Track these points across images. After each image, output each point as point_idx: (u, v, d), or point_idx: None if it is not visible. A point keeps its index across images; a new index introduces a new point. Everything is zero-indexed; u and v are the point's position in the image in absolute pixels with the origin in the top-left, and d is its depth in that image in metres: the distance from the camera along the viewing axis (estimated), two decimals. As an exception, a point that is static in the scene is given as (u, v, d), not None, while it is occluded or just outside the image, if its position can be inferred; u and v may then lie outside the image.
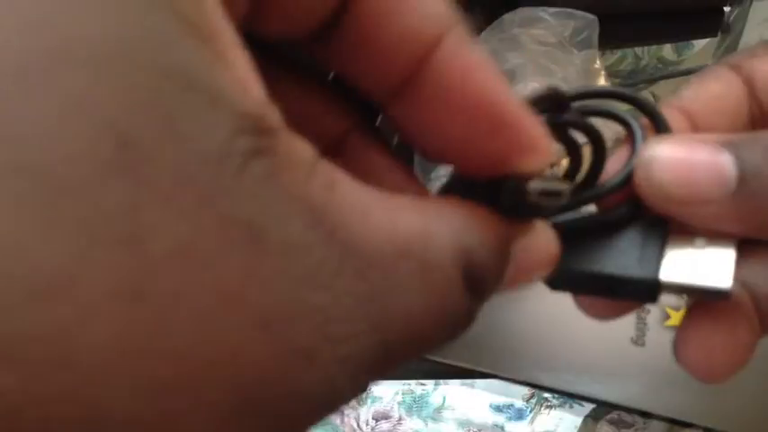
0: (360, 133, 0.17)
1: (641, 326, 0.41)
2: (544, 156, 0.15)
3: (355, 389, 0.12)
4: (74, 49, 0.09)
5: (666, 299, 0.42)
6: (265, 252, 0.10)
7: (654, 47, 0.62)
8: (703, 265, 0.18)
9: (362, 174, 0.14)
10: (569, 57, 0.47)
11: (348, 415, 0.41)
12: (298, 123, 0.11)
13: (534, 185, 0.16)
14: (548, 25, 0.48)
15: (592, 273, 0.19)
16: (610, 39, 0.51)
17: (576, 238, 0.19)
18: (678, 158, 0.18)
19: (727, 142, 0.17)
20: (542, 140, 0.15)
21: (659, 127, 0.19)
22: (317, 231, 0.11)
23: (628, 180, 0.18)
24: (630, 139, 0.19)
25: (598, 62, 0.48)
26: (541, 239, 0.16)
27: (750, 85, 0.20)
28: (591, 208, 0.19)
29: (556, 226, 0.18)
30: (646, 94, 0.59)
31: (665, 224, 0.18)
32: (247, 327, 0.10)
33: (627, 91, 0.20)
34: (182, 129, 0.09)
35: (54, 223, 0.09)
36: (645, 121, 0.19)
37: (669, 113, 0.20)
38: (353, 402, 0.41)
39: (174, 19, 0.10)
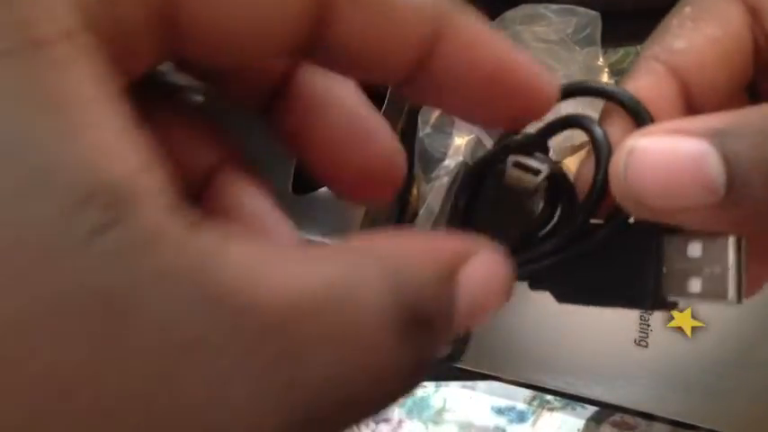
0: (230, 170, 0.16)
1: (644, 327, 0.41)
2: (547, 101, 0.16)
3: None
4: None
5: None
6: (126, 323, 0.09)
7: (657, 44, 0.61)
8: (704, 275, 0.16)
9: (227, 213, 0.14)
10: (572, 54, 0.46)
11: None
12: (168, 153, 0.11)
13: (513, 158, 0.17)
14: (550, 22, 0.47)
15: (595, 296, 0.18)
16: (612, 36, 0.51)
17: (574, 261, 0.18)
18: (656, 163, 0.15)
19: (713, 132, 0.15)
20: (550, 88, 0.16)
21: (638, 119, 0.17)
22: (197, 300, 0.10)
23: (600, 196, 0.17)
24: (594, 146, 0.17)
25: (601, 59, 0.47)
26: (489, 262, 0.14)
27: (754, 13, 0.18)
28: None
29: (555, 253, 0.18)
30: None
31: (658, 230, 0.17)
32: (93, 414, 0.09)
33: (592, 84, 0.18)
34: (5, 206, 0.09)
35: None
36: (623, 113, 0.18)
37: (655, 83, 0.18)
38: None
39: (17, 93, 0.09)
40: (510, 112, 0.16)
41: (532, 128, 0.18)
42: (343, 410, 0.11)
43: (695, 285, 0.17)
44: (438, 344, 0.13)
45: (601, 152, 0.17)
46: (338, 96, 0.16)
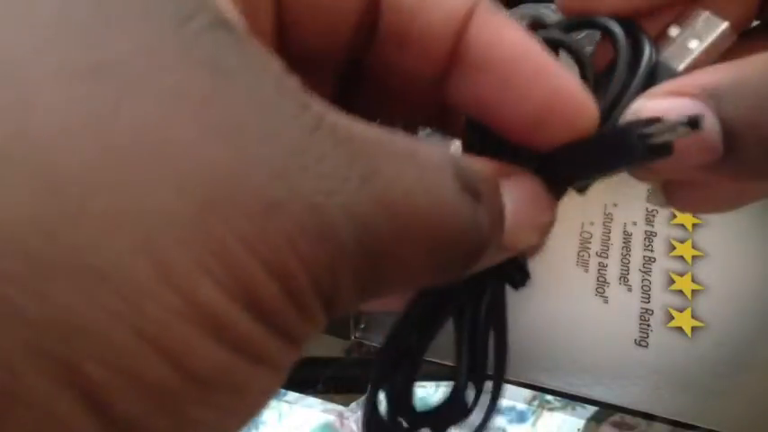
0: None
1: (645, 327, 0.41)
2: (590, 111, 0.16)
3: (354, 240, 0.12)
4: None
5: (670, 299, 0.41)
6: (230, 81, 0.11)
7: (657, 45, 0.61)
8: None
9: None
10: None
11: (348, 418, 0.41)
12: None
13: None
14: (551, 22, 0.47)
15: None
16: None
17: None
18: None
19: (709, 92, 0.15)
20: (585, 97, 0.16)
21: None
22: (294, 94, 0.12)
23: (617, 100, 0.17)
24: (615, 47, 0.18)
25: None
26: (527, 180, 0.16)
27: None
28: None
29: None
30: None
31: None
32: (207, 129, 0.10)
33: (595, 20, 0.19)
34: None
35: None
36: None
37: None
38: (353, 405, 0.41)
39: None
40: (540, 108, 0.16)
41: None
42: (412, 230, 0.12)
43: (693, 42, 0.17)
44: (484, 213, 0.14)
45: (620, 51, 0.17)
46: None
